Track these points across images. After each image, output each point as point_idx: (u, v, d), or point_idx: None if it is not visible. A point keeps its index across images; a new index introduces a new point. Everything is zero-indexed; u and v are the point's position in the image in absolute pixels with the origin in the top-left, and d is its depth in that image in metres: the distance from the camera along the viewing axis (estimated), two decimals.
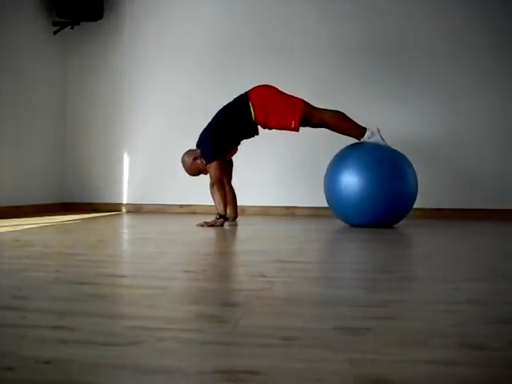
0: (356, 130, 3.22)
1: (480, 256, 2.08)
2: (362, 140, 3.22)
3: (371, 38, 4.51)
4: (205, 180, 4.64)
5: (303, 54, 4.59)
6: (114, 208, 4.82)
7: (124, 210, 4.84)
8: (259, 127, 3.40)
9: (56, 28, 4.64)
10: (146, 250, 2.15)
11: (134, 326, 1.00)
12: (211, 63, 4.70)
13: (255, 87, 3.37)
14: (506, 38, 4.40)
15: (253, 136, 3.47)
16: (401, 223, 3.42)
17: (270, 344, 0.89)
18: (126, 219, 3.94)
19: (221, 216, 3.28)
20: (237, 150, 3.60)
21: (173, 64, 4.76)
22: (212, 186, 3.39)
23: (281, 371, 0.76)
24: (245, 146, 4.73)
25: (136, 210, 4.81)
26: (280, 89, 3.34)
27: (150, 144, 4.80)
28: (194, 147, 3.51)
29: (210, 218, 3.38)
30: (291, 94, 3.31)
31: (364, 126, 3.26)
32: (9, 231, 2.80)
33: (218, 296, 1.28)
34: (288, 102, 3.24)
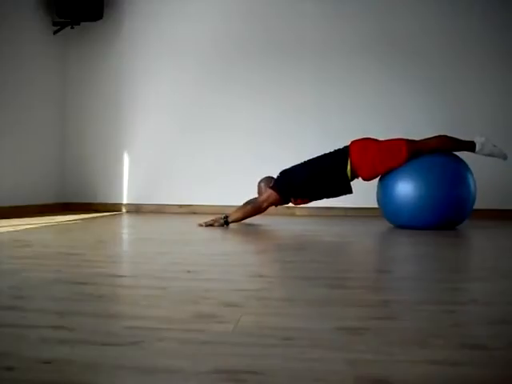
0: (466, 147, 3.16)
1: (481, 256, 2.08)
2: (475, 152, 3.17)
3: (377, 36, 4.51)
4: (205, 180, 4.65)
5: (305, 52, 4.59)
6: (113, 208, 4.82)
7: (124, 210, 4.84)
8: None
9: (56, 28, 4.64)
10: (146, 250, 2.15)
11: (133, 326, 1.00)
12: (211, 63, 4.70)
13: (356, 141, 3.25)
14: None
15: (344, 194, 3.33)
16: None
17: (270, 344, 0.89)
18: (125, 219, 3.94)
19: (226, 220, 3.25)
20: (304, 202, 3.45)
21: (173, 64, 4.76)
22: (254, 202, 3.33)
23: (281, 371, 0.76)
24: (246, 144, 4.74)
25: (136, 210, 4.81)
26: (378, 138, 3.30)
27: (150, 144, 4.80)
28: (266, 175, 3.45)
29: (210, 218, 3.37)
30: (391, 138, 3.24)
31: (469, 139, 3.20)
32: (9, 231, 2.80)
33: (218, 296, 1.28)
34: (391, 148, 3.16)
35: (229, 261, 1.97)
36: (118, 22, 4.83)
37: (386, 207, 3.31)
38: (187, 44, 4.73)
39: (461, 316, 1.09)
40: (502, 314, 1.12)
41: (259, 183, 3.47)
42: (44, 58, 4.58)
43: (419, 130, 4.43)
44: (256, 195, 3.47)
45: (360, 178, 3.30)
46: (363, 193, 3.67)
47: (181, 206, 4.72)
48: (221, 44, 4.68)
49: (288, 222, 3.77)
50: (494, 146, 3.16)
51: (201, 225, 3.25)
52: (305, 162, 3.37)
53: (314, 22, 4.57)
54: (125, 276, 1.62)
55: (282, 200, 3.33)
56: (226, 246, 2.45)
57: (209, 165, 4.66)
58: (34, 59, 4.41)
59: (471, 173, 3.21)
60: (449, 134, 3.27)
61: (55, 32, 4.65)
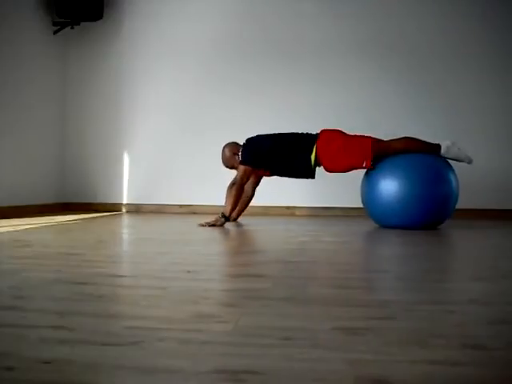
0: (431, 149, 3.18)
1: (481, 256, 2.08)
2: (442, 154, 3.18)
3: (375, 37, 4.50)
4: (205, 180, 4.65)
5: (305, 53, 4.58)
6: (114, 208, 4.82)
7: (124, 209, 4.84)
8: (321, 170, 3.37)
9: (56, 28, 4.64)
10: (146, 250, 2.15)
11: (133, 326, 1.00)
12: (212, 63, 4.70)
13: (325, 131, 3.32)
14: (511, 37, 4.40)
15: (304, 178, 3.41)
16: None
17: (269, 344, 0.89)
18: (126, 219, 3.94)
19: (224, 215, 3.27)
20: (266, 175, 3.58)
21: (173, 64, 4.76)
22: (232, 184, 3.37)
23: (281, 371, 0.76)
24: None
25: (136, 209, 4.81)
26: (346, 132, 3.32)
27: (150, 144, 4.80)
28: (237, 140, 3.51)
29: (211, 218, 3.38)
30: (359, 135, 3.27)
31: (436, 142, 3.21)
32: (9, 231, 2.80)
33: (218, 296, 1.28)
34: (356, 144, 3.20)
35: (228, 261, 1.97)
36: (118, 22, 4.83)
37: (371, 207, 3.31)
38: (187, 44, 4.73)
39: (461, 316, 1.09)
40: (502, 314, 1.12)
41: (223, 148, 3.50)
42: (44, 57, 4.58)
43: (418, 132, 4.44)
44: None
45: (323, 168, 3.34)
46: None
47: (181, 206, 4.72)
48: (221, 44, 4.68)
49: (288, 222, 3.77)
50: (459, 149, 3.18)
51: (202, 225, 3.25)
52: (274, 133, 3.42)
53: (314, 22, 4.57)
54: (125, 276, 1.62)
55: (256, 169, 3.40)
56: (226, 246, 2.45)
57: (209, 165, 4.65)
58: (34, 59, 4.41)
59: (454, 172, 3.21)
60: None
61: (55, 32, 4.65)
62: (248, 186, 3.57)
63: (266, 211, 4.59)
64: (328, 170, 3.33)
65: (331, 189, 4.36)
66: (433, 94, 4.46)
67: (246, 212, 4.40)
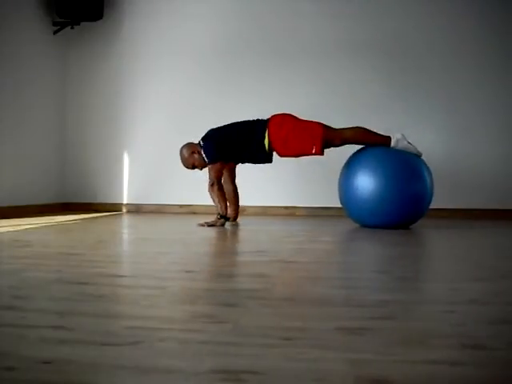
0: (381, 141, 3.19)
1: (481, 256, 2.08)
2: (391, 147, 3.18)
3: (376, 38, 4.50)
4: (205, 180, 4.65)
5: (305, 53, 4.58)
6: (113, 208, 4.82)
7: (124, 209, 4.84)
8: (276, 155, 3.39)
9: (56, 28, 4.64)
10: (146, 250, 2.15)
11: (133, 326, 1.00)
12: (211, 63, 4.70)
13: (276, 115, 3.34)
14: (510, 36, 4.39)
15: (262, 162, 3.44)
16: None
17: (269, 344, 0.89)
18: (126, 219, 3.94)
19: (221, 216, 3.28)
20: (234, 167, 3.61)
21: (173, 64, 4.76)
22: (211, 186, 3.38)
23: (281, 371, 0.76)
24: None
25: (136, 209, 4.81)
26: (297, 116, 3.33)
27: (150, 144, 4.80)
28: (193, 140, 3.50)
29: (210, 218, 3.38)
30: (311, 121, 3.28)
31: (386, 134, 3.22)
32: (9, 231, 2.80)
33: (218, 296, 1.28)
34: (307, 129, 3.21)
35: (228, 260, 1.97)
36: (118, 21, 4.83)
37: (349, 207, 3.31)
38: (187, 44, 4.73)
39: (461, 316, 1.09)
40: (502, 314, 1.12)
41: (181, 150, 3.48)
42: (44, 57, 4.58)
43: (418, 131, 4.44)
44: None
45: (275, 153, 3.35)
46: None
47: (181, 206, 4.73)
48: (221, 43, 4.68)
49: (287, 223, 3.77)
50: (409, 143, 3.19)
51: (201, 225, 3.25)
52: (226, 124, 3.44)
53: (314, 23, 4.57)
54: (125, 276, 1.61)
55: (223, 163, 3.39)
56: (226, 246, 2.45)
57: None
58: (34, 59, 4.41)
59: (429, 170, 3.21)
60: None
61: (55, 32, 4.65)
62: (226, 183, 3.57)
63: (266, 211, 4.59)
64: (280, 154, 3.35)
65: (331, 189, 4.35)
66: (432, 93, 4.46)
67: (245, 212, 4.41)
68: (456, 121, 4.44)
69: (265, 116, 3.37)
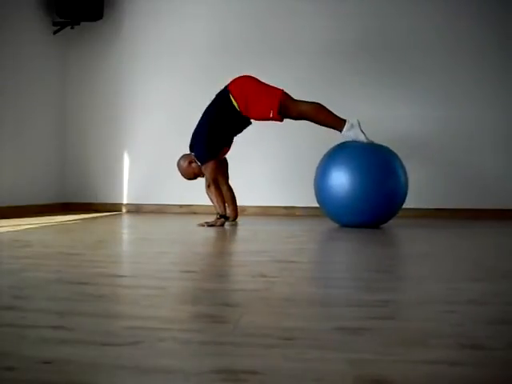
0: (336, 122, 3.21)
1: (480, 256, 2.08)
2: (342, 133, 3.19)
3: (369, 36, 4.50)
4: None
5: (303, 53, 4.58)
6: (114, 208, 4.82)
7: (124, 210, 4.84)
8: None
9: (56, 28, 4.64)
10: (146, 250, 2.15)
11: (133, 326, 1.00)
12: (211, 62, 4.70)
13: (234, 79, 3.37)
14: (508, 36, 4.39)
15: (245, 127, 3.46)
16: (392, 223, 3.41)
17: (269, 344, 0.89)
18: (126, 219, 3.94)
19: (221, 216, 3.28)
20: (229, 148, 3.59)
21: (173, 64, 4.76)
22: (208, 186, 3.39)
23: (281, 371, 0.76)
24: (245, 145, 4.73)
25: (136, 209, 4.81)
26: (261, 79, 3.36)
27: (150, 144, 4.80)
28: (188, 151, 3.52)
29: (211, 218, 3.38)
30: (272, 85, 3.32)
31: (344, 118, 3.23)
32: (9, 231, 2.80)
33: (218, 296, 1.28)
34: (267, 92, 3.26)
35: (229, 260, 1.97)
36: (118, 21, 4.83)
37: (326, 207, 3.30)
38: (187, 44, 4.73)
39: (461, 316, 1.09)
40: (502, 314, 1.12)
41: (178, 162, 3.52)
42: (44, 58, 4.58)
43: (417, 132, 4.44)
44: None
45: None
46: None
47: (181, 206, 4.73)
48: (220, 43, 4.68)
49: (287, 223, 3.77)
50: (362, 131, 3.18)
51: (201, 225, 3.26)
52: (200, 119, 3.45)
53: (317, 22, 4.57)
54: (125, 276, 1.61)
55: (217, 162, 3.41)
56: (226, 246, 2.45)
57: None
58: (34, 59, 4.41)
59: (403, 168, 3.20)
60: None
61: (55, 32, 4.65)
62: (220, 184, 3.56)
63: (266, 211, 4.59)
64: (251, 116, 3.36)
65: None
66: (431, 93, 4.46)
67: (245, 212, 4.41)
68: (455, 119, 4.44)
69: None
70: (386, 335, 0.94)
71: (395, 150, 3.24)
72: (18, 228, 2.99)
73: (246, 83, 3.31)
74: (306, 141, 4.44)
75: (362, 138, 3.16)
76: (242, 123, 3.41)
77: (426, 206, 4.34)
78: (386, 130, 4.14)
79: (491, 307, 1.18)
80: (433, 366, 0.79)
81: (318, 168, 3.34)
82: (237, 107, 3.28)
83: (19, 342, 0.89)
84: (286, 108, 3.22)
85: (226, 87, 3.35)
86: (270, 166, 4.63)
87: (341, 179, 3.08)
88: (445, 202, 4.39)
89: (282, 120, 3.29)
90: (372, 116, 4.44)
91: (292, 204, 4.61)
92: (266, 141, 4.63)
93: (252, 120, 3.42)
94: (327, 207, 3.28)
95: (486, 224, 3.67)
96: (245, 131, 4.38)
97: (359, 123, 3.19)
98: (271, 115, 3.22)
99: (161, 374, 0.75)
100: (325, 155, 3.32)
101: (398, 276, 1.59)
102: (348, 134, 3.17)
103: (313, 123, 3.33)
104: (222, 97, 3.34)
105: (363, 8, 4.52)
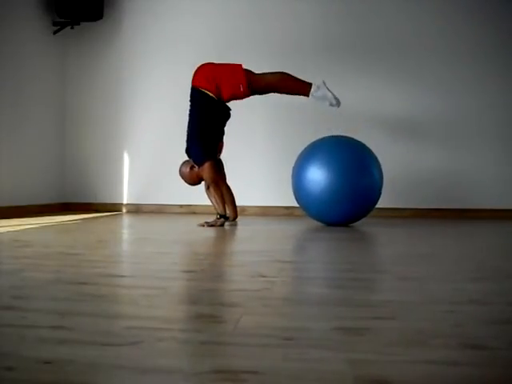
0: (303, 87, 3.26)
1: (481, 256, 2.08)
2: (310, 96, 3.24)
3: (372, 35, 4.50)
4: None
5: (306, 52, 4.58)
6: (114, 208, 4.82)
7: (124, 210, 4.84)
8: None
9: (56, 28, 4.64)
10: (146, 250, 2.15)
11: (133, 326, 1.00)
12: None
13: (194, 75, 3.41)
14: (509, 33, 4.39)
15: (228, 115, 3.48)
16: (392, 223, 3.41)
17: (269, 344, 0.89)
18: (126, 219, 3.94)
19: (221, 216, 3.28)
20: (223, 143, 3.60)
21: (173, 64, 4.76)
22: (208, 187, 3.39)
23: (281, 371, 0.76)
24: (245, 146, 4.74)
25: (136, 210, 4.81)
26: (216, 62, 3.43)
27: (149, 144, 4.80)
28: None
29: (211, 218, 3.38)
30: (229, 63, 3.38)
31: (310, 81, 3.30)
32: (9, 231, 2.80)
33: (218, 296, 1.28)
34: (230, 70, 3.31)
35: (228, 260, 1.97)
36: (118, 21, 4.82)
37: (306, 207, 3.34)
38: (187, 43, 4.73)
39: (461, 316, 1.09)
40: (502, 314, 1.12)
41: (180, 169, 3.54)
42: (44, 57, 4.58)
43: (417, 131, 4.44)
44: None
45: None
46: None
47: (181, 206, 4.72)
48: (220, 41, 4.67)
49: (287, 223, 3.77)
50: (329, 90, 3.23)
51: (201, 225, 3.26)
52: (189, 127, 3.46)
53: (318, 21, 4.57)
54: (124, 276, 1.61)
55: (215, 162, 3.42)
56: (226, 246, 2.45)
57: None
58: (34, 59, 4.41)
59: (378, 166, 3.21)
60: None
61: (55, 32, 4.65)
62: (219, 182, 3.57)
63: (266, 211, 4.59)
64: (222, 98, 3.37)
65: None
66: (431, 93, 4.46)
67: (245, 212, 4.41)
68: (455, 119, 4.44)
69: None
70: (385, 335, 0.94)
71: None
72: (18, 228, 2.99)
73: (207, 70, 3.36)
74: (306, 141, 4.43)
75: (330, 96, 3.22)
76: (223, 111, 3.44)
77: (425, 206, 4.34)
78: (387, 127, 4.14)
79: (493, 307, 1.18)
80: (433, 366, 0.78)
81: (294, 167, 3.38)
82: (212, 95, 3.31)
83: (19, 342, 0.89)
84: (253, 81, 3.28)
85: (192, 87, 3.40)
86: (270, 167, 4.63)
87: (315, 177, 3.14)
88: (445, 202, 4.39)
89: (250, 94, 3.33)
90: (374, 116, 4.45)
91: (292, 204, 4.59)
92: (266, 141, 4.63)
93: (228, 103, 3.45)
94: (306, 206, 3.35)
95: (486, 224, 3.67)
96: (245, 131, 4.41)
97: (325, 83, 3.25)
98: (241, 89, 3.27)
99: (160, 374, 0.75)
100: (300, 154, 3.36)
101: (398, 276, 1.59)
102: (316, 94, 3.23)
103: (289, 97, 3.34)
104: (195, 95, 3.37)
105: (365, 7, 4.52)
